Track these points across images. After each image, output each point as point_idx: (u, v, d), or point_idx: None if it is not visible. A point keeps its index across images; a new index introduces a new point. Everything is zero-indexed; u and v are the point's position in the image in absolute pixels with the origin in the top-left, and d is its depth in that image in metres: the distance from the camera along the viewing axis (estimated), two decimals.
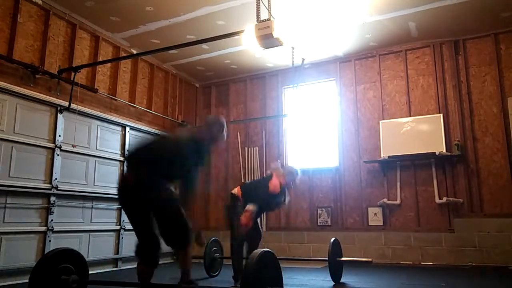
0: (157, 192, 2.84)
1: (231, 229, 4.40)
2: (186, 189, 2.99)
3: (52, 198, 5.07)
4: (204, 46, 6.45)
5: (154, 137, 3.56)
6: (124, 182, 2.95)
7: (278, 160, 7.08)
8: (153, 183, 2.83)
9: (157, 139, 3.54)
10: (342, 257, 4.67)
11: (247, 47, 6.33)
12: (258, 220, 4.69)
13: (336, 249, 4.53)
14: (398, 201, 6.35)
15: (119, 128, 6.30)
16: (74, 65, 5.53)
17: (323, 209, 6.86)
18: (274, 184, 4.36)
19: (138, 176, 2.86)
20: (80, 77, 5.60)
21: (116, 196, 2.98)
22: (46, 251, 4.66)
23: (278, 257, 2.61)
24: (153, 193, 2.83)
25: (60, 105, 5.30)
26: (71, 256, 2.95)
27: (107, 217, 5.89)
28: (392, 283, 4.57)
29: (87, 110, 5.70)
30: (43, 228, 4.95)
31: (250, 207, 4.12)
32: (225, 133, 3.28)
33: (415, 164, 6.34)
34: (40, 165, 5.02)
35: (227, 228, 4.60)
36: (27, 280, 2.79)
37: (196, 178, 3.03)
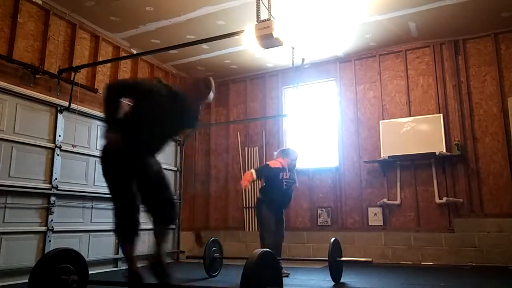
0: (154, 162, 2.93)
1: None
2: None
3: (52, 198, 5.07)
4: (204, 46, 6.45)
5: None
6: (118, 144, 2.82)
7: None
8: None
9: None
10: (342, 257, 4.66)
11: (247, 47, 6.33)
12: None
13: (336, 249, 4.53)
14: (398, 201, 6.35)
15: None
16: (74, 65, 5.53)
17: (323, 209, 6.86)
18: (273, 162, 5.14)
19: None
20: (80, 77, 5.60)
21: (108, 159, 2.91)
22: (46, 251, 4.66)
23: (278, 257, 2.61)
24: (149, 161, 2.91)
25: (60, 105, 5.29)
26: (71, 256, 2.95)
27: (107, 217, 5.86)
28: (392, 283, 4.57)
29: (87, 110, 5.70)
30: (43, 228, 4.94)
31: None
32: (212, 92, 3.08)
33: (415, 164, 6.34)
34: (40, 165, 5.02)
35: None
36: (27, 280, 2.78)
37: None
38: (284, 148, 5.69)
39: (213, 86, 3.09)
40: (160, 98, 2.89)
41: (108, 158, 2.89)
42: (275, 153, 5.42)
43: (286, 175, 5.05)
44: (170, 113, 2.93)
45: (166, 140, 3.10)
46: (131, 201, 2.89)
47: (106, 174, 2.91)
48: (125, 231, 2.91)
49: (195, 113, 3.13)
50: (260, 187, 5.67)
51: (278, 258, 4.79)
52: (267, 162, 5.24)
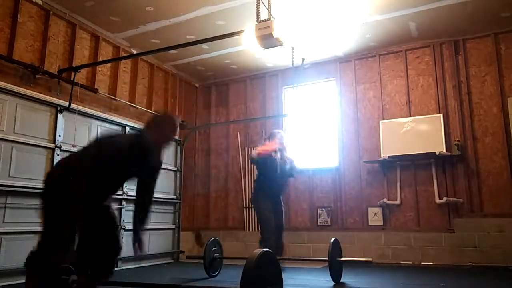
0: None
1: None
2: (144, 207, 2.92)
3: None
4: (204, 46, 6.46)
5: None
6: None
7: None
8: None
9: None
10: (342, 257, 4.66)
11: (247, 47, 6.32)
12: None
13: (336, 249, 4.53)
14: (398, 201, 6.35)
15: (119, 128, 6.29)
16: (74, 65, 5.53)
17: (323, 209, 6.86)
18: (260, 148, 5.13)
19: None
20: (80, 77, 5.60)
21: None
22: None
23: (278, 257, 2.61)
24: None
25: (60, 105, 5.29)
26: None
27: None
28: (392, 283, 4.57)
29: (87, 110, 5.70)
30: None
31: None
32: (177, 129, 3.01)
33: (415, 164, 6.33)
34: (40, 165, 5.01)
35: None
36: None
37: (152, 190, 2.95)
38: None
39: (178, 122, 3.01)
40: (129, 160, 2.74)
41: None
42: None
43: (275, 155, 4.95)
44: (136, 168, 2.82)
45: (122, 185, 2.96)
46: (71, 232, 2.71)
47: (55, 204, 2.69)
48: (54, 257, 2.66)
49: (157, 158, 2.98)
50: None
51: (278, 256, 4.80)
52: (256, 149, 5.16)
